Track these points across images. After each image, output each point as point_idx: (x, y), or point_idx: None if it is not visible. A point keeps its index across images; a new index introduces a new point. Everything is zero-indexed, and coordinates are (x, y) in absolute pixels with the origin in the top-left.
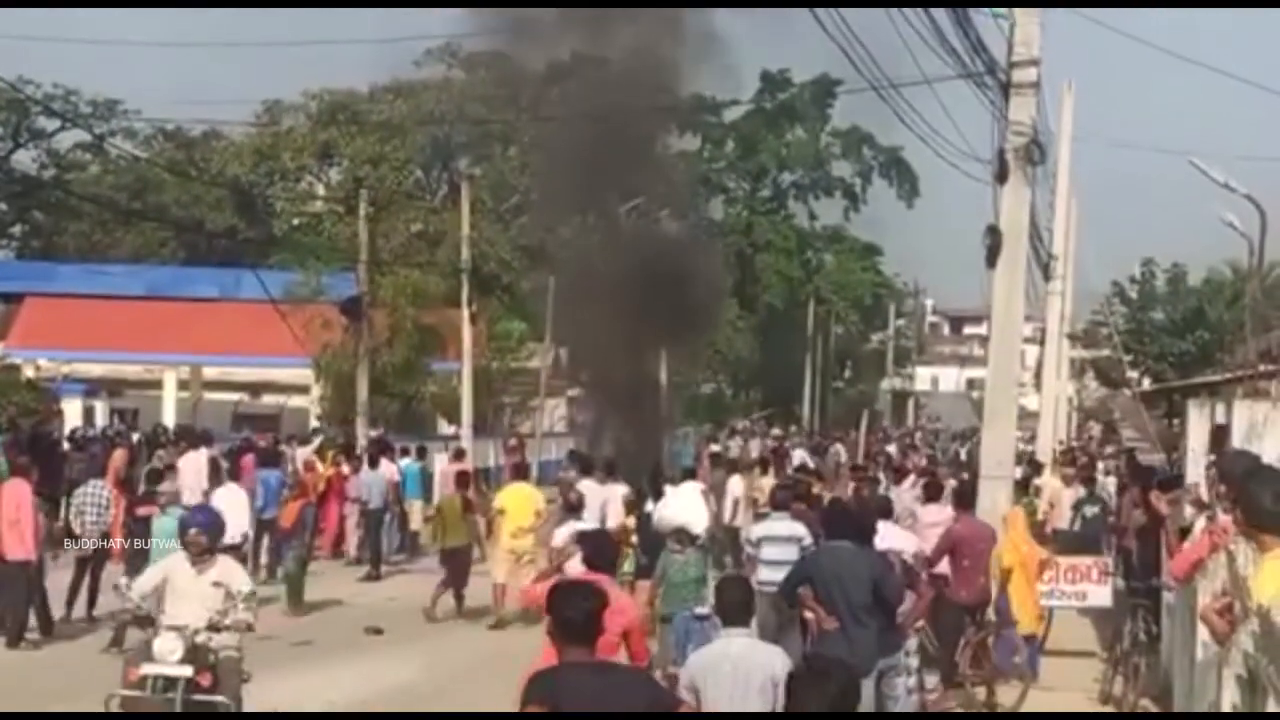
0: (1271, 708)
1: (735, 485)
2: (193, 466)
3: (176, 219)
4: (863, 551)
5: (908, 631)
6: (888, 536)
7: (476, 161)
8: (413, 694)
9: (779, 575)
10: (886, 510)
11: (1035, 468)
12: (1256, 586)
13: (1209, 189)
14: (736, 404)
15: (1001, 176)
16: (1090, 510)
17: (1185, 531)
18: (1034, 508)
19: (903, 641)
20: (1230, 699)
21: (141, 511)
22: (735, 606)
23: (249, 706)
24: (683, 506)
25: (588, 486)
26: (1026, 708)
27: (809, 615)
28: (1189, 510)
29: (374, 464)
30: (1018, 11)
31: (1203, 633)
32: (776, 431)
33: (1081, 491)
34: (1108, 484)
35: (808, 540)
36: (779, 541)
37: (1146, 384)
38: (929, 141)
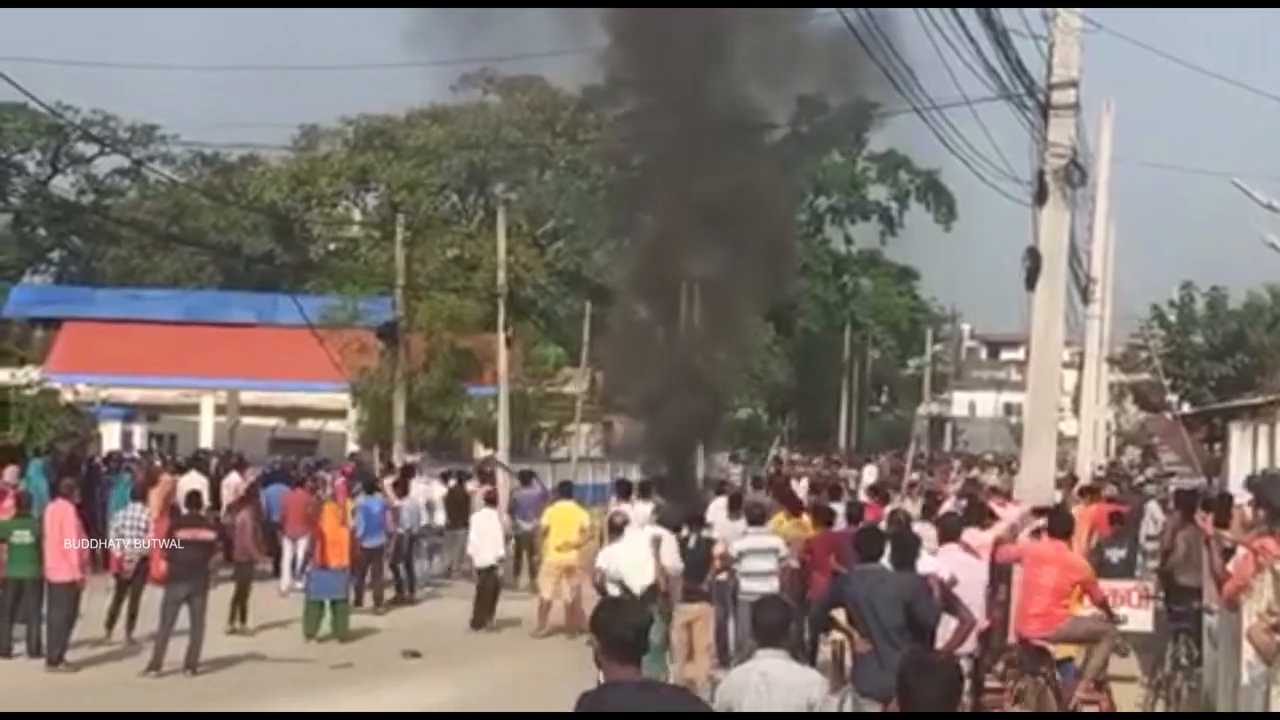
0: None
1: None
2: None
3: (214, 244)
4: (896, 574)
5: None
6: (938, 558)
7: (513, 186)
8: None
9: (759, 586)
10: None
11: (1092, 494)
12: None
13: (1250, 210)
14: (773, 429)
15: (1040, 198)
16: (1116, 554)
17: (1229, 553)
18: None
19: None
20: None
21: (183, 535)
22: (771, 628)
23: None
24: (627, 558)
25: (628, 509)
26: None
27: (839, 637)
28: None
29: (404, 489)
30: (1057, 31)
31: (1247, 653)
32: (782, 453)
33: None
34: (1151, 508)
35: (784, 552)
36: (759, 554)
37: (1186, 408)
38: (969, 162)
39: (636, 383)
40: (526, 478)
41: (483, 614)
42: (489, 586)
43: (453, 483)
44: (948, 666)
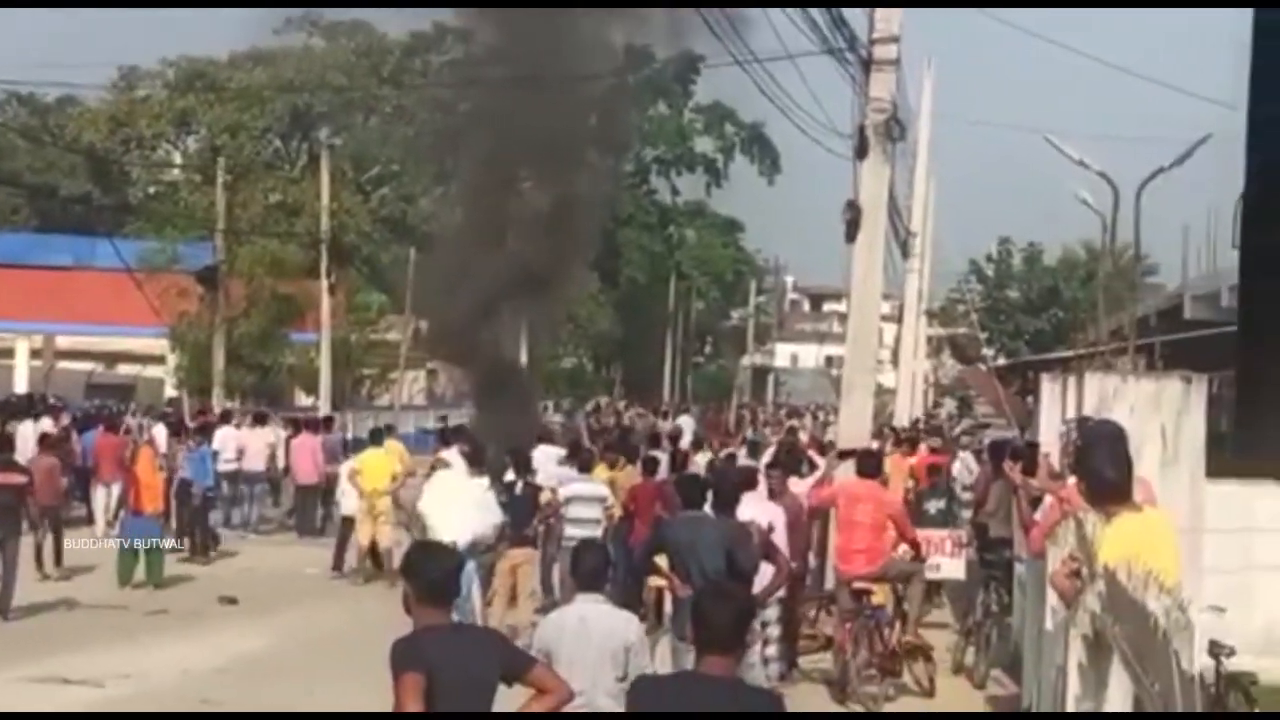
0: (1115, 667)
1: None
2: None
3: (30, 185)
4: (717, 520)
5: (765, 602)
6: (747, 507)
7: (337, 131)
8: (268, 662)
9: (584, 532)
10: (751, 482)
11: (910, 444)
12: (1103, 549)
13: (1065, 168)
14: (597, 379)
15: (861, 152)
16: (934, 505)
17: (1036, 501)
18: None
19: (758, 611)
20: (1076, 659)
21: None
22: (591, 572)
23: (102, 677)
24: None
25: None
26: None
27: (661, 583)
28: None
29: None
30: None
31: (1052, 598)
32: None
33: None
34: (965, 458)
35: (610, 501)
36: (586, 501)
37: (1001, 361)
38: (790, 115)
39: (457, 317)
40: (328, 424)
41: (343, 559)
42: (348, 535)
43: (288, 431)
44: (741, 596)
